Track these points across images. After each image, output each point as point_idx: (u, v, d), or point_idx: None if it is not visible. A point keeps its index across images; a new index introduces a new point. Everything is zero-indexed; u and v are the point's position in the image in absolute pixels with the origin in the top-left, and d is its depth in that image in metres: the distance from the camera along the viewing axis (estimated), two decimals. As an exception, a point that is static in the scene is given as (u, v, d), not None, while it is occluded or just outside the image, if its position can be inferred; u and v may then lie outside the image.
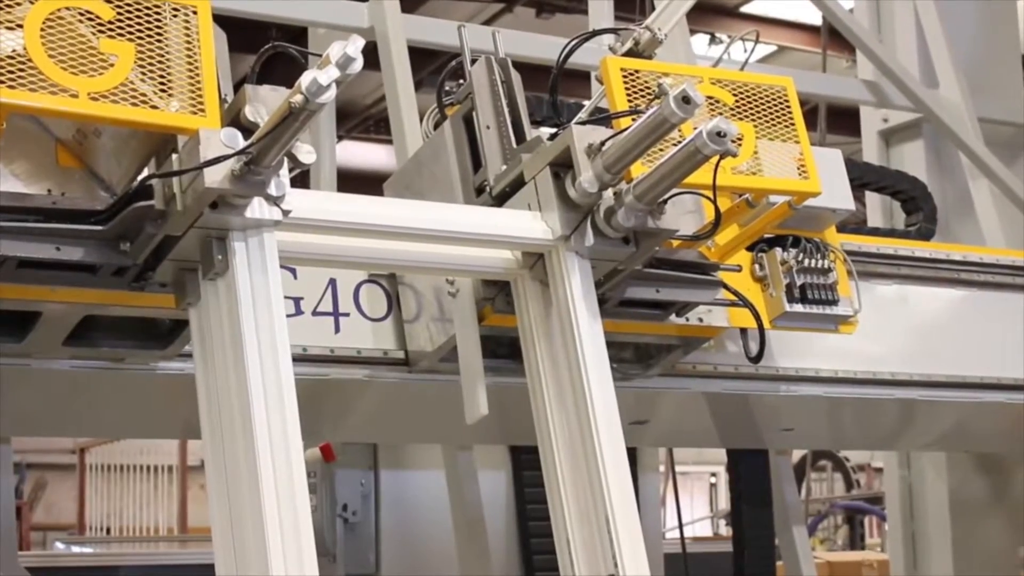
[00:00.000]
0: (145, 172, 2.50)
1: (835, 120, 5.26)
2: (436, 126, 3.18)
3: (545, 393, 2.67)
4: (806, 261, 3.25)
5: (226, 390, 2.38)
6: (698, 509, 15.48)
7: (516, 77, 3.01)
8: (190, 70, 2.44)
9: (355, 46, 2.20)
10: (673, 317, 3.12)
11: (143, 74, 2.41)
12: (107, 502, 10.51)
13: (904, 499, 5.53)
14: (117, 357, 2.87)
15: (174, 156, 2.33)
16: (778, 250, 3.24)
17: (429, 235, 2.67)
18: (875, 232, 4.32)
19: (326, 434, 3.94)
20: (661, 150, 2.75)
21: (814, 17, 8.01)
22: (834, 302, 3.27)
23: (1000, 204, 5.39)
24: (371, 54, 4.36)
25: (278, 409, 2.34)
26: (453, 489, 4.09)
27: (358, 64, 2.20)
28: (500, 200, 2.87)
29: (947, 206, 5.41)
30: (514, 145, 2.93)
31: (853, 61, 7.04)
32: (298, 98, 2.17)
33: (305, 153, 2.39)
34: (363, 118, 11.08)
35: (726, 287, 3.10)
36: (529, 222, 2.71)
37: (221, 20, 2.67)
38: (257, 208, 2.37)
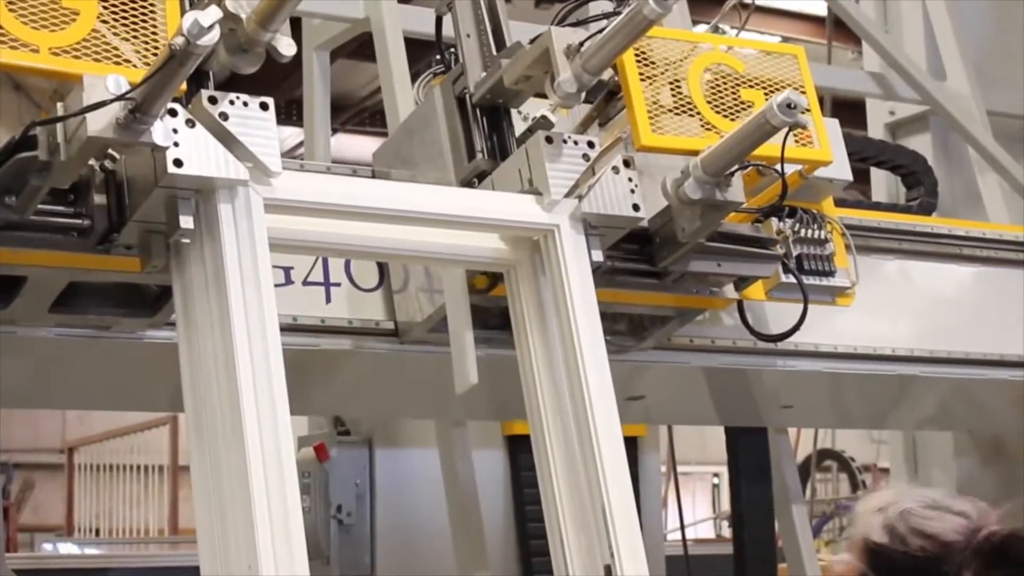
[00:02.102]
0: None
1: (840, 113, 5.19)
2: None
3: (538, 383, 2.63)
4: (803, 231, 3.22)
5: (210, 360, 2.33)
6: (700, 510, 15.41)
7: None
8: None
9: None
10: (729, 291, 3.13)
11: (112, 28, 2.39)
12: (96, 502, 10.42)
13: (911, 499, 5.47)
14: (103, 324, 2.82)
15: (59, 104, 2.26)
16: (774, 220, 3.19)
17: (421, 218, 2.62)
18: (876, 207, 4.28)
19: (315, 406, 3.90)
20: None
21: (819, 8, 7.94)
22: (831, 273, 3.24)
23: (1009, 198, 5.29)
24: (366, 45, 4.32)
25: (265, 379, 2.28)
26: (447, 466, 4.04)
27: None
28: (481, 110, 2.86)
29: (955, 200, 5.33)
30: (494, 52, 2.91)
31: (859, 53, 6.96)
32: (179, 40, 2.09)
33: (286, 46, 2.36)
34: (358, 110, 11.04)
35: (784, 262, 3.10)
36: (526, 205, 2.67)
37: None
38: (224, 166, 2.32)
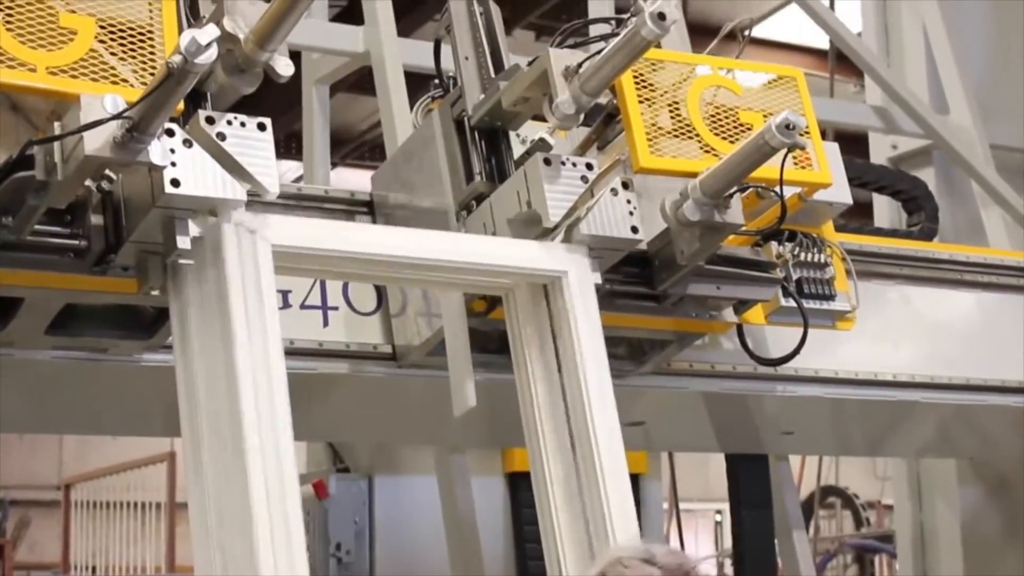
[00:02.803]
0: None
1: (843, 146, 5.22)
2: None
3: (536, 405, 2.62)
4: (803, 255, 3.20)
5: (210, 382, 2.31)
6: (703, 547, 15.30)
7: (495, 10, 3.00)
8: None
9: None
10: (729, 315, 3.11)
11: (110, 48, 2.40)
12: (92, 540, 10.33)
13: (915, 536, 5.41)
14: (100, 347, 2.81)
15: (56, 124, 2.26)
16: (774, 243, 3.17)
17: (429, 265, 2.62)
18: (877, 232, 4.26)
19: (312, 430, 3.87)
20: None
21: (821, 41, 7.94)
22: (831, 297, 3.22)
23: (1012, 232, 5.24)
24: (366, 79, 4.32)
25: (267, 401, 2.28)
26: (445, 494, 4.01)
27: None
28: (480, 132, 2.86)
29: (958, 234, 5.28)
30: (492, 75, 2.91)
31: (861, 86, 6.94)
32: (176, 58, 2.09)
33: (283, 66, 2.36)
34: (358, 144, 11.04)
35: (783, 285, 3.08)
36: (533, 251, 2.68)
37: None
38: (222, 186, 2.31)
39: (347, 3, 7.08)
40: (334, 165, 8.48)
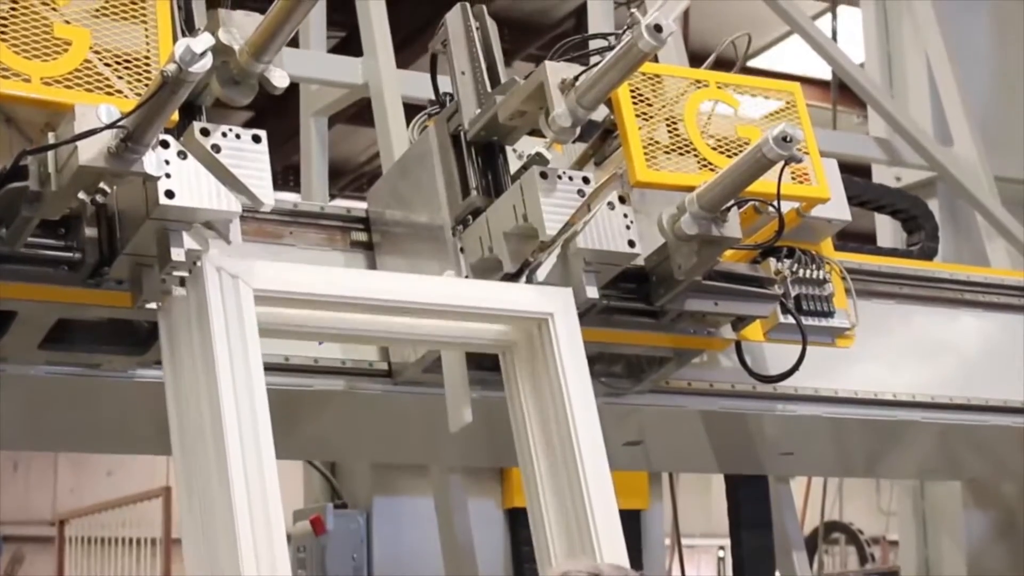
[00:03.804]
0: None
1: (845, 177, 5.23)
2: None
3: (536, 465, 2.61)
4: (801, 272, 3.17)
5: (195, 399, 2.30)
6: (705, 583, 15.17)
7: (491, 24, 2.99)
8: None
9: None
10: (727, 331, 3.09)
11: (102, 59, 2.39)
12: (87, 576, 10.26)
13: (921, 572, 5.36)
14: (93, 362, 2.78)
15: (51, 134, 2.25)
16: (772, 260, 3.15)
17: (418, 309, 2.61)
18: (876, 251, 4.24)
19: (307, 449, 3.84)
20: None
21: (824, 72, 7.93)
22: (830, 314, 3.19)
23: (1017, 264, 5.18)
24: (365, 110, 4.33)
25: (250, 418, 2.26)
26: (442, 513, 3.97)
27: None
28: (476, 147, 2.85)
29: (962, 264, 5.28)
30: (489, 89, 2.90)
31: (864, 117, 6.92)
32: (171, 67, 2.08)
33: (279, 77, 2.34)
34: (356, 175, 11.02)
35: (782, 302, 3.06)
36: (521, 294, 2.68)
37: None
38: (216, 198, 2.30)
39: (346, 34, 7.10)
40: (332, 197, 8.46)
